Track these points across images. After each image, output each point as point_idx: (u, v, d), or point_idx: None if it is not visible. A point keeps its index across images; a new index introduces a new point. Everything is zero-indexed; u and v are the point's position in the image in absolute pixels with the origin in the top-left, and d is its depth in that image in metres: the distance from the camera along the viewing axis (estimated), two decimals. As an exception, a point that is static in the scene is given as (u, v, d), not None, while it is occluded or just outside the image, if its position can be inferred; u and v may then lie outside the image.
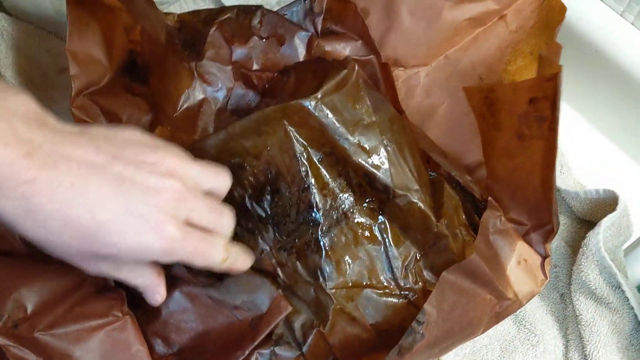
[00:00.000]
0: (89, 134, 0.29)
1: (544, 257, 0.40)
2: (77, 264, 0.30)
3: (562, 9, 0.47)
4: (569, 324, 0.42)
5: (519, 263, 0.39)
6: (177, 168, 0.31)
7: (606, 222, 0.41)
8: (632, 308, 0.40)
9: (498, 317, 0.38)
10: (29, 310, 0.34)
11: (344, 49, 0.52)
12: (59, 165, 0.26)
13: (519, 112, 0.41)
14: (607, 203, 0.44)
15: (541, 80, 0.39)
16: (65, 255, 0.29)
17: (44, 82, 0.50)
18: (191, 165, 0.32)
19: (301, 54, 0.51)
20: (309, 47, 0.51)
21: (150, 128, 0.46)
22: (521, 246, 0.40)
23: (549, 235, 0.40)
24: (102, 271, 0.31)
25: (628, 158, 0.54)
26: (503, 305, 0.38)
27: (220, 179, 0.34)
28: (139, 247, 0.29)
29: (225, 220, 0.34)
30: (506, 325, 0.43)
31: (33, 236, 0.28)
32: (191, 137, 0.47)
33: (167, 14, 0.48)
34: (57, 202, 0.26)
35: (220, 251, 0.33)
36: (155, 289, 0.34)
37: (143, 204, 0.29)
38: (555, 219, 0.39)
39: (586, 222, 0.47)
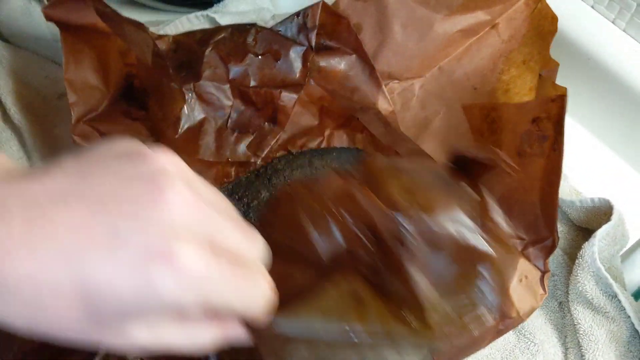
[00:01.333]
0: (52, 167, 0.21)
1: (544, 272, 0.41)
2: (87, 339, 0.20)
3: (554, 19, 0.48)
4: (567, 332, 0.43)
5: (520, 280, 0.40)
6: (182, 168, 0.22)
7: (601, 233, 0.41)
8: (629, 317, 0.40)
9: (500, 333, 0.39)
10: None
11: (338, 63, 0.53)
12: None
13: (522, 130, 0.41)
14: (602, 211, 0.44)
15: (546, 100, 0.40)
16: (64, 332, 0.20)
17: (44, 108, 0.51)
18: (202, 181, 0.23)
19: (297, 68, 0.51)
20: (304, 60, 0.51)
21: (151, 152, 0.47)
22: (522, 263, 0.41)
23: (548, 251, 0.40)
24: (131, 341, 0.21)
25: (622, 162, 0.54)
26: (505, 323, 0.39)
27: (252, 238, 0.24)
28: (145, 292, 0.19)
29: (259, 243, 0.24)
30: (506, 335, 0.43)
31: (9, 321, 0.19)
32: (193, 156, 0.48)
33: (161, 36, 0.48)
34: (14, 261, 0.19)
35: (265, 285, 0.23)
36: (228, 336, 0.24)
37: (134, 225, 0.19)
38: (556, 235, 0.40)
39: (583, 230, 0.47)
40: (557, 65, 0.45)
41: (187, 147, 0.48)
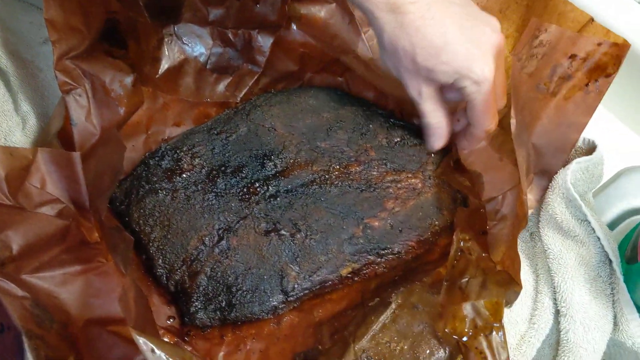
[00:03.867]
0: None
1: None
2: (404, 78, 0.40)
3: None
4: (538, 260, 0.44)
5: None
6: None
7: (579, 162, 0.42)
8: (599, 239, 0.41)
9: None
10: (14, 251, 0.36)
11: (319, 11, 0.54)
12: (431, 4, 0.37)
13: (555, 61, 0.43)
14: (585, 151, 0.45)
15: (594, 41, 0.41)
16: (402, 67, 0.39)
17: (29, 53, 0.52)
18: None
19: (275, 10, 0.52)
20: (282, 2, 0.52)
21: (133, 88, 0.48)
22: None
23: None
24: (418, 92, 0.40)
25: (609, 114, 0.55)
26: None
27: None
28: (465, 67, 0.38)
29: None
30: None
31: (390, 43, 0.38)
32: (174, 95, 0.49)
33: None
34: (423, 19, 0.37)
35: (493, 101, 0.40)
36: (440, 134, 0.42)
37: (481, 38, 0.38)
38: None
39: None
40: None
41: (168, 86, 0.49)
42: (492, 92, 0.39)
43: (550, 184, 0.43)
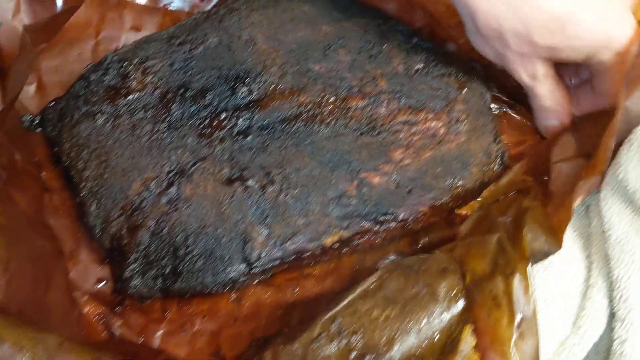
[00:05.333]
0: None
1: None
2: (513, 63, 0.32)
3: None
4: (593, 242, 0.32)
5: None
6: None
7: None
8: (684, 222, 0.29)
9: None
10: None
11: None
12: None
13: None
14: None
15: None
16: (511, 52, 0.31)
17: None
18: None
19: None
20: None
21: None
22: None
23: None
24: (532, 75, 0.32)
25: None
26: None
27: None
28: (602, 36, 0.30)
29: None
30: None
31: (489, 26, 0.30)
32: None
33: None
34: None
35: None
36: (559, 116, 0.34)
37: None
38: None
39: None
40: None
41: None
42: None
43: (627, 139, 0.31)
